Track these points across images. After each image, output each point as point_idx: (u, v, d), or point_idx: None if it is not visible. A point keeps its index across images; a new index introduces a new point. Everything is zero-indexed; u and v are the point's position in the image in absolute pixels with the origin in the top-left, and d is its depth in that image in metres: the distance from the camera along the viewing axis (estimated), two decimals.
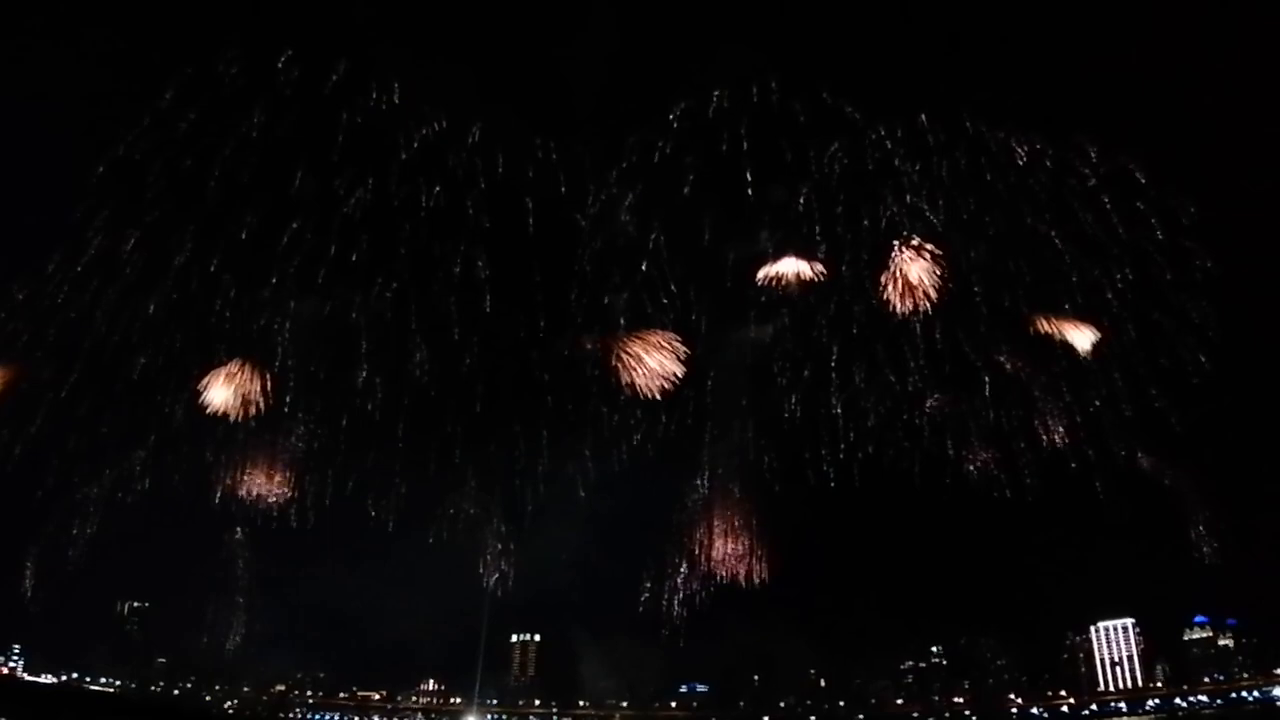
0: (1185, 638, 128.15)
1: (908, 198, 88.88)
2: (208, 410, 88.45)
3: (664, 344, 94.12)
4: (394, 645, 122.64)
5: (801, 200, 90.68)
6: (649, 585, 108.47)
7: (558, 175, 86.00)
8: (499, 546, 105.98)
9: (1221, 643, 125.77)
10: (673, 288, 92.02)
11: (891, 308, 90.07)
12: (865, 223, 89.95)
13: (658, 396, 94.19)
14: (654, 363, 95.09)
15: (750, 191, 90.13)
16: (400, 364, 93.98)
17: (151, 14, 77.17)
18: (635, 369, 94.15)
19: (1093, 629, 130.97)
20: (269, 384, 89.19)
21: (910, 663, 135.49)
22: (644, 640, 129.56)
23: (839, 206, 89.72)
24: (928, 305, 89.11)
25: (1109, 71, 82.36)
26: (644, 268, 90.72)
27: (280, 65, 78.57)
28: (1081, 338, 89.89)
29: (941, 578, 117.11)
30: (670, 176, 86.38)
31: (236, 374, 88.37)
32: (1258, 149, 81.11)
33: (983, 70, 73.39)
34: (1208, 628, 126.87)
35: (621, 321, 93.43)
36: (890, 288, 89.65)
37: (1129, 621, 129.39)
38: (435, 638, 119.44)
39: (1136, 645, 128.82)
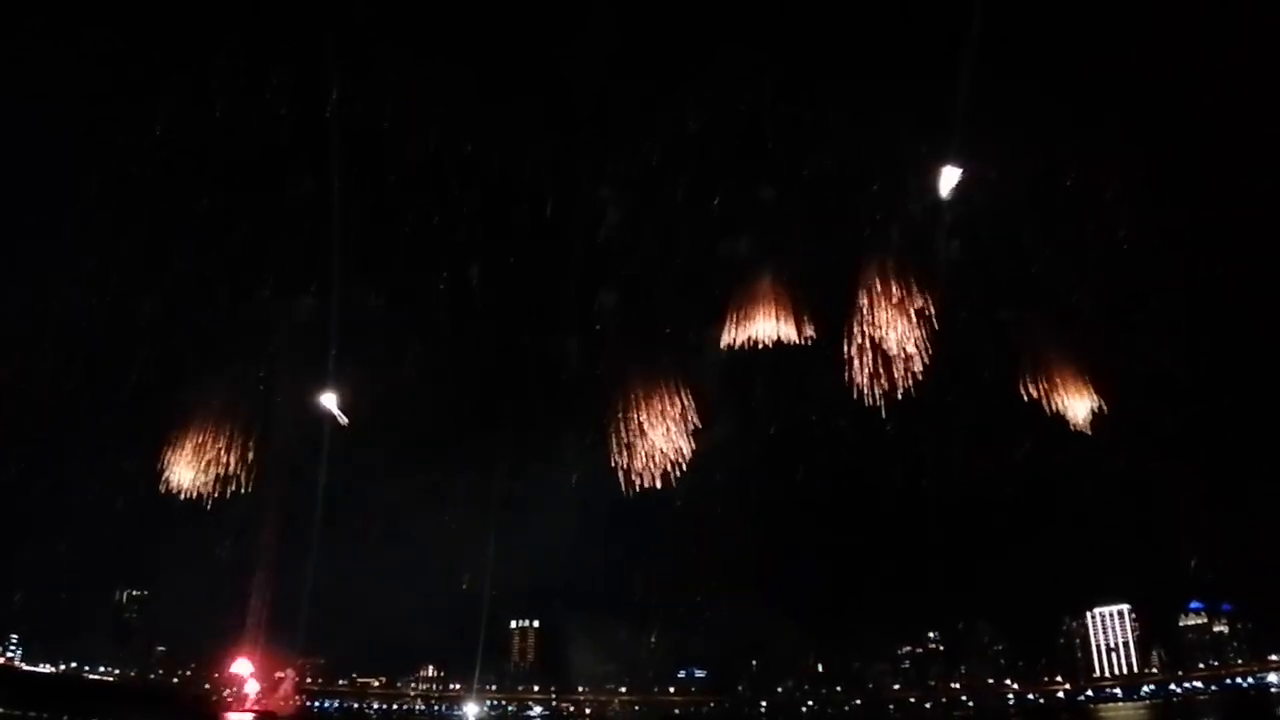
0: (1181, 624, 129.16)
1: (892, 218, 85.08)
2: (173, 491, 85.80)
3: (672, 413, 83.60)
4: (394, 632, 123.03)
5: (784, 211, 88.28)
6: (642, 576, 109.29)
7: (555, 177, 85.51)
8: (496, 535, 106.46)
9: (1216, 629, 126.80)
10: (656, 293, 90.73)
11: (860, 391, 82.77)
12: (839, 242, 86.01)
13: (659, 485, 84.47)
14: (660, 439, 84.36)
15: (733, 197, 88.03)
16: (396, 360, 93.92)
17: (151, 14, 75.75)
18: (637, 445, 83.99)
19: (1089, 615, 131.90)
20: (243, 454, 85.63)
21: (908, 648, 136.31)
22: (643, 626, 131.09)
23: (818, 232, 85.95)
24: (910, 383, 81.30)
25: (1106, 72, 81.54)
26: (636, 269, 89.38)
27: (277, 66, 77.74)
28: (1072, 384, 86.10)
29: (938, 564, 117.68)
30: (663, 180, 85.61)
31: (205, 446, 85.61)
32: (1256, 150, 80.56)
33: (980, 72, 72.72)
34: (1203, 614, 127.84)
35: (613, 324, 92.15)
36: (859, 365, 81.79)
37: (1125, 607, 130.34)
38: (435, 624, 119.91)
39: (1132, 631, 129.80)
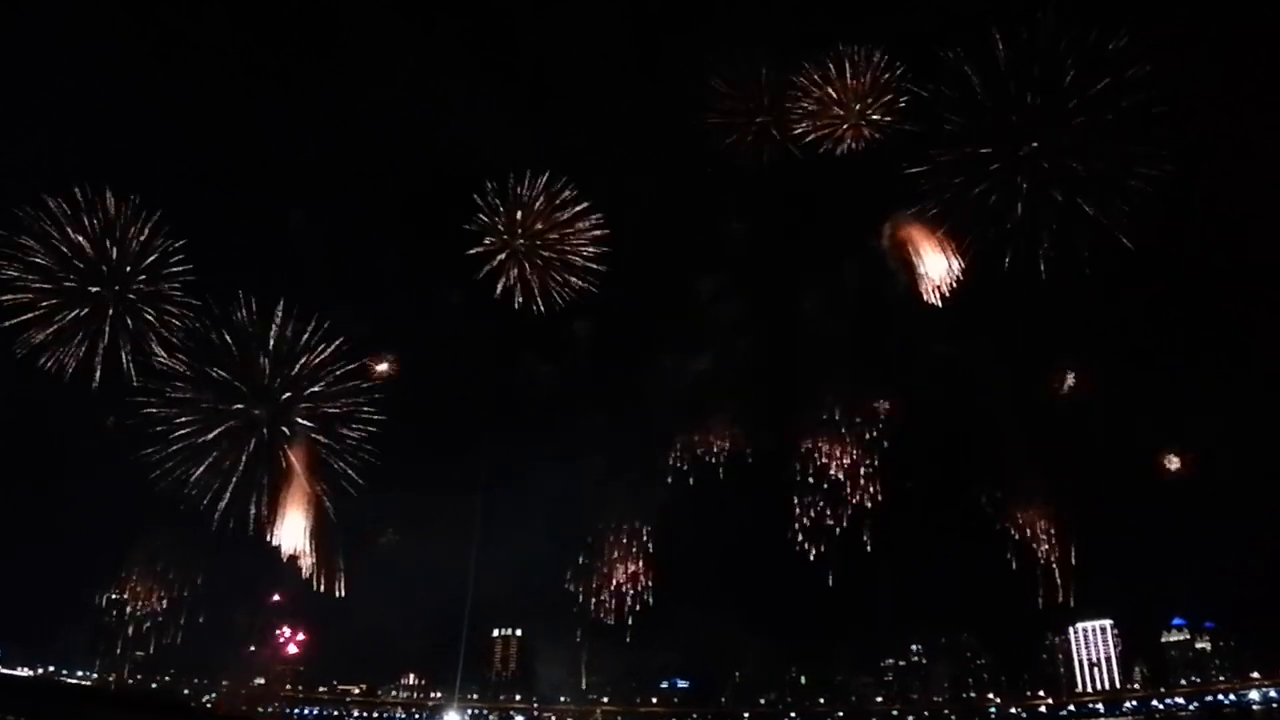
0: (1163, 640, 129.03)
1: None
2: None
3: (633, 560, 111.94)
4: (375, 639, 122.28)
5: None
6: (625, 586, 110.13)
7: (548, 191, 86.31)
8: (478, 545, 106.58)
9: (1199, 645, 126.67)
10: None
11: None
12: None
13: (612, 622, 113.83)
14: (622, 574, 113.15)
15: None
16: (385, 372, 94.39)
17: (151, 14, 76.11)
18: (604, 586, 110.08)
19: (1071, 630, 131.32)
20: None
21: (891, 661, 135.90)
22: (626, 637, 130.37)
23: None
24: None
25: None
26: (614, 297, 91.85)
27: (275, 64, 78.22)
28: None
29: (921, 578, 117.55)
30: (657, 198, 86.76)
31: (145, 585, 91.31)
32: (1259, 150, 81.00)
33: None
34: (1185, 630, 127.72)
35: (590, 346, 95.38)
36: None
37: (1107, 623, 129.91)
38: (416, 632, 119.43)
39: (1115, 646, 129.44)
